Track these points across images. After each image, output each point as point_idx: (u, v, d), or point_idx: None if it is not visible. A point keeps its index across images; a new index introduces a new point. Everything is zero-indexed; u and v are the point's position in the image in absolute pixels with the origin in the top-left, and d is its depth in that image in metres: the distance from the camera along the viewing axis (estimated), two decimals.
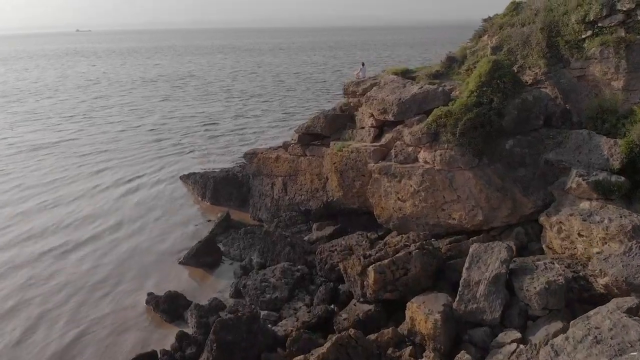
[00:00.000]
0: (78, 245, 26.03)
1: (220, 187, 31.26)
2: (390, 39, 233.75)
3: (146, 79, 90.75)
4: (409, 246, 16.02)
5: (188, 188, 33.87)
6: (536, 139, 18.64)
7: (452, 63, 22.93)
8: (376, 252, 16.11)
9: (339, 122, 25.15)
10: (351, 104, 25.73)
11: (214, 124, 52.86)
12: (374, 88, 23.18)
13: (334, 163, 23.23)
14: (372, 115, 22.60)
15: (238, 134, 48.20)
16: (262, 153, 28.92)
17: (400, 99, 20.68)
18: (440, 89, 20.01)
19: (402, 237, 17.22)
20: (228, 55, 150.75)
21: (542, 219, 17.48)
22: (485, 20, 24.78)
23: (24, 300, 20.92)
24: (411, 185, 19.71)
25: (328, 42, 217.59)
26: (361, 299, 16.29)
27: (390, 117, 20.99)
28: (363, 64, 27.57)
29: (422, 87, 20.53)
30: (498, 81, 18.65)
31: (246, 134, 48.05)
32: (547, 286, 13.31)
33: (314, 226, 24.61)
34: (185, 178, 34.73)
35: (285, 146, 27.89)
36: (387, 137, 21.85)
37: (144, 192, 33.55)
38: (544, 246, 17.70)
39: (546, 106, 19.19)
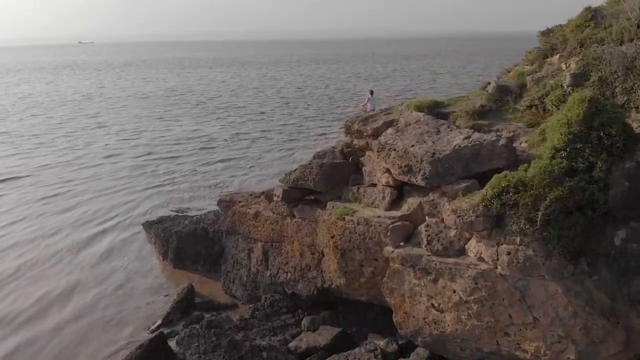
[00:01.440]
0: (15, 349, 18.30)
1: (185, 246, 23.68)
2: (392, 51, 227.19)
3: (141, 95, 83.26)
4: None
5: (150, 241, 26.44)
6: None
7: (504, 95, 15.54)
8: None
9: (339, 175, 17.70)
10: (356, 146, 18.40)
11: (208, 148, 45.27)
12: (390, 130, 15.77)
13: (332, 237, 15.81)
14: (388, 170, 15.24)
15: (231, 164, 40.45)
16: (239, 203, 21.44)
17: (434, 153, 13.23)
18: (502, 142, 12.52)
19: None
20: (228, 68, 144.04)
21: None
22: (544, 34, 17.48)
23: None
24: (455, 291, 12.27)
25: (329, 55, 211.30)
26: None
27: (418, 181, 13.54)
28: (372, 93, 20.38)
29: (469, 137, 13.03)
30: (600, 133, 11.31)
31: (240, 165, 40.09)
32: None
33: (305, 321, 17.11)
34: (147, 227, 27.15)
35: (268, 196, 20.44)
36: (411, 204, 14.44)
37: (108, 251, 25.81)
38: None
39: None
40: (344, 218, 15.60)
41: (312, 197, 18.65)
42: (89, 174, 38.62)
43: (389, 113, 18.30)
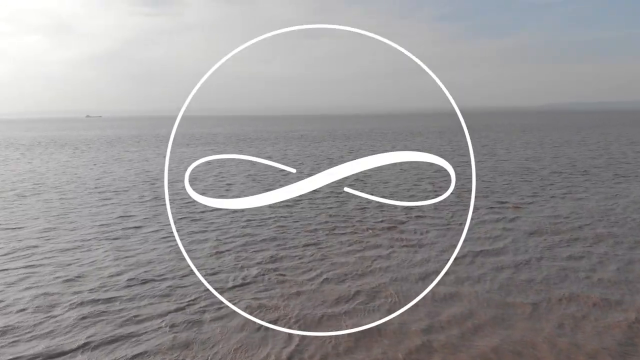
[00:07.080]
0: None
1: None
2: (403, 126, 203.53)
3: (85, 188, 54.74)
4: None
5: None
6: None
7: None
8: None
9: None
10: None
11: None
12: None
13: None
14: None
15: None
16: None
17: None
18: None
19: None
20: (227, 146, 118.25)
21: None
22: None
23: None
24: None
25: (338, 131, 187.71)
26: None
27: None
28: None
29: None
30: None
31: None
32: None
33: None
34: None
35: None
36: None
37: None
38: None
39: None
40: None
41: None
42: None
43: None
